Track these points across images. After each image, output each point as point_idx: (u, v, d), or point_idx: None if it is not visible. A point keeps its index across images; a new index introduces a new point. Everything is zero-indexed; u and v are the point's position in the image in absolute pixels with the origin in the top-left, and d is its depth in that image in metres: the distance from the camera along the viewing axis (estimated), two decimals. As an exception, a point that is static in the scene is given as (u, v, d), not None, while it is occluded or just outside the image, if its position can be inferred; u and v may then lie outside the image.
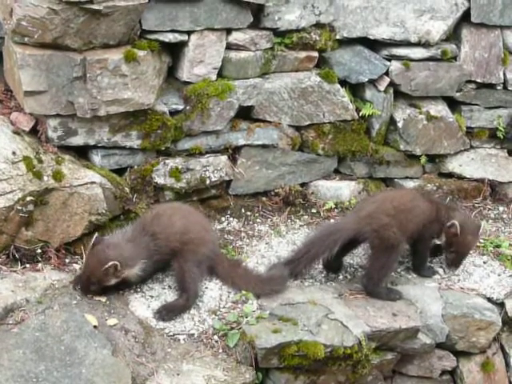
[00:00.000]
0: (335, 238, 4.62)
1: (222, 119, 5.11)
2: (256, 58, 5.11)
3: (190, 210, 4.91)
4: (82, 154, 4.91)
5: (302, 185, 5.58)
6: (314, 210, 5.53)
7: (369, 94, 5.51)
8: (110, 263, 4.24)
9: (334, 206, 5.53)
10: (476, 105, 5.85)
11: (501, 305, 4.87)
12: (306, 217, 5.48)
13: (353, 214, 4.90)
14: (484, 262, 5.20)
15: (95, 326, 4.14)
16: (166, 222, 4.57)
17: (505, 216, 5.86)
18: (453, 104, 5.83)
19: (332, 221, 5.38)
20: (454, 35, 5.68)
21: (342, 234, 4.64)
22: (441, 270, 5.05)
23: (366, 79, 5.44)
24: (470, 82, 5.77)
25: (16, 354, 3.88)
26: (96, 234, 4.50)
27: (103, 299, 4.41)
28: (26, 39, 4.49)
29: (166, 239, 4.52)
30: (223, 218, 5.32)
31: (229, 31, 5.01)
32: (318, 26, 5.27)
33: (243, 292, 4.56)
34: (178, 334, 4.34)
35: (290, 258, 4.77)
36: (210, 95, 4.99)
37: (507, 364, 4.93)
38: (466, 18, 5.61)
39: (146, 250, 4.46)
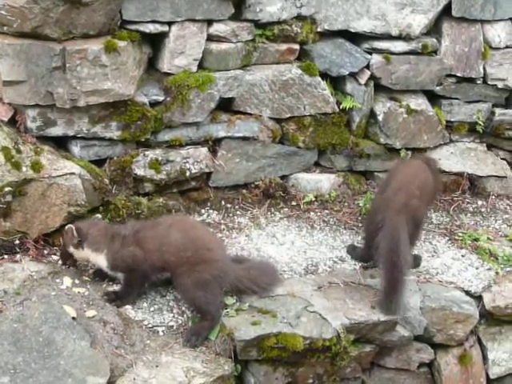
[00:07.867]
0: None
1: (202, 111, 5.09)
2: (237, 50, 5.10)
3: (195, 225, 4.67)
4: (61, 144, 4.88)
5: (282, 177, 5.58)
6: (293, 203, 5.54)
7: (349, 87, 5.52)
8: (69, 226, 4.37)
9: (313, 199, 5.54)
10: (456, 99, 5.87)
11: (478, 298, 4.90)
12: (286, 209, 5.49)
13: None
14: (462, 256, 5.23)
15: (74, 318, 4.12)
16: (163, 232, 4.35)
17: (483, 210, 5.90)
18: (433, 98, 5.85)
19: None
20: (434, 29, 5.69)
21: None
22: None
23: (347, 72, 5.45)
24: (450, 75, 5.79)
25: (-7, 345, 3.86)
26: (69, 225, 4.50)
27: (82, 290, 4.40)
28: (5, 28, 4.45)
29: (159, 248, 4.30)
30: (203, 210, 5.31)
31: (210, 22, 4.99)
32: (300, 18, 5.27)
33: None
34: (157, 326, 4.33)
35: None
36: (190, 86, 4.98)
37: (484, 357, 4.96)
38: (446, 11, 5.62)
39: (121, 246, 4.33)
